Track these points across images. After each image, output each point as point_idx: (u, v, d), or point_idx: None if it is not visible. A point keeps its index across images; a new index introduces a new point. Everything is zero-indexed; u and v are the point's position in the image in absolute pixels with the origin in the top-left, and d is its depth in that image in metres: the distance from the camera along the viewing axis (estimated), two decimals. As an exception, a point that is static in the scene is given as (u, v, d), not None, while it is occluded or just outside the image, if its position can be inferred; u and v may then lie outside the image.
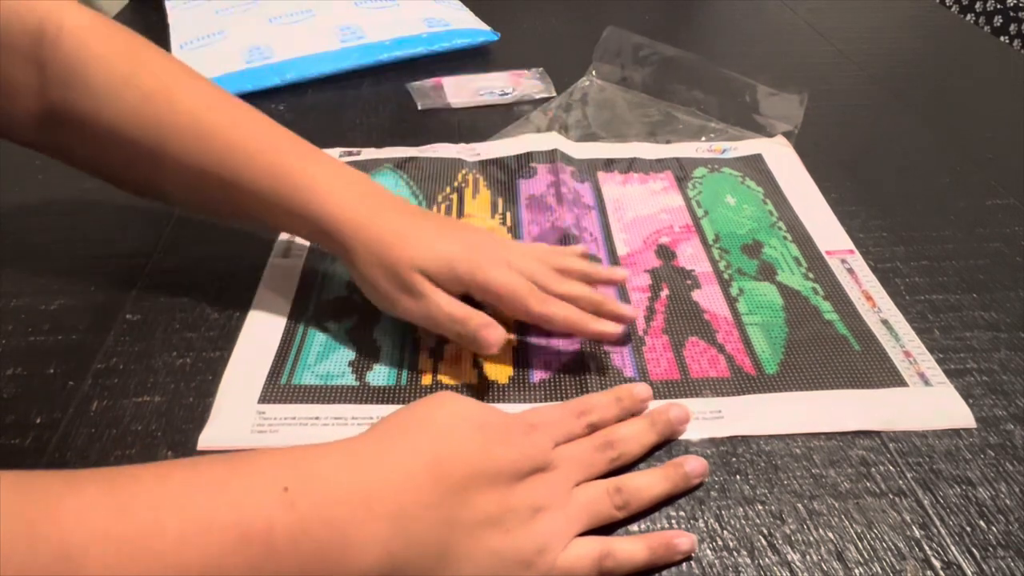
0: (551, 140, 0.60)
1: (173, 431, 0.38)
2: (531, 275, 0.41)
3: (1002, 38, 1.60)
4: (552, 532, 0.31)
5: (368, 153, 0.60)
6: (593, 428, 0.36)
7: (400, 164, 0.59)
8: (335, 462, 0.29)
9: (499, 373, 0.41)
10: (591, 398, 0.38)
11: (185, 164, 0.41)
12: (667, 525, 0.34)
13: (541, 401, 0.40)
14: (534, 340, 0.43)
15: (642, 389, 0.39)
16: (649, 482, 0.34)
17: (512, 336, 0.43)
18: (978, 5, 1.64)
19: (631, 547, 0.32)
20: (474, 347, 0.40)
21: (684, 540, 0.32)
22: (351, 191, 0.41)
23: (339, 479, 0.28)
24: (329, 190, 0.41)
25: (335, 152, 0.60)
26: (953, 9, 1.67)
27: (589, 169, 0.59)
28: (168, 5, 0.81)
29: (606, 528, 0.33)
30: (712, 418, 0.39)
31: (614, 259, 0.50)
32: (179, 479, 0.26)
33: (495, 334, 0.39)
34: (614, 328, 0.40)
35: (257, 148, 0.41)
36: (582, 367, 0.41)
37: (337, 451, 0.30)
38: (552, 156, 0.58)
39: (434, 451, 0.30)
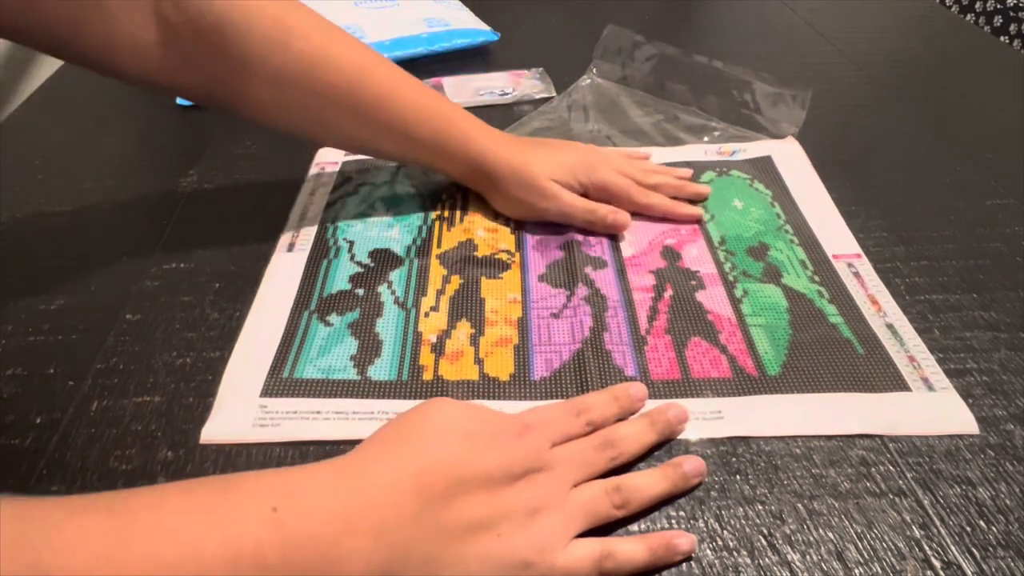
0: None
1: (173, 431, 0.38)
2: (630, 174, 0.53)
3: (1002, 38, 1.60)
4: (550, 532, 0.31)
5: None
6: (592, 426, 0.36)
7: (403, 166, 0.59)
8: (321, 481, 0.29)
9: (500, 370, 0.41)
10: (588, 397, 0.38)
11: (348, 118, 0.47)
12: (667, 525, 0.34)
13: (542, 399, 0.40)
14: (535, 339, 0.43)
15: (638, 389, 0.39)
16: (648, 482, 0.34)
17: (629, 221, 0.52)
18: (978, 5, 1.64)
19: (631, 547, 0.32)
20: (605, 228, 0.51)
21: (684, 540, 0.32)
22: (494, 136, 0.51)
23: (325, 497, 0.28)
24: (480, 138, 0.50)
25: (339, 153, 0.60)
26: (953, 9, 1.67)
27: None
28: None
29: (605, 528, 0.33)
30: (712, 418, 0.39)
31: (619, 261, 0.50)
32: (174, 505, 0.27)
33: (623, 216, 0.51)
34: (697, 211, 0.53)
35: (425, 106, 0.49)
36: (583, 366, 0.41)
37: (324, 470, 0.30)
38: None
39: (418, 462, 0.30)
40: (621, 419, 0.38)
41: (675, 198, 0.54)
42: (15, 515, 0.24)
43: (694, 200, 0.55)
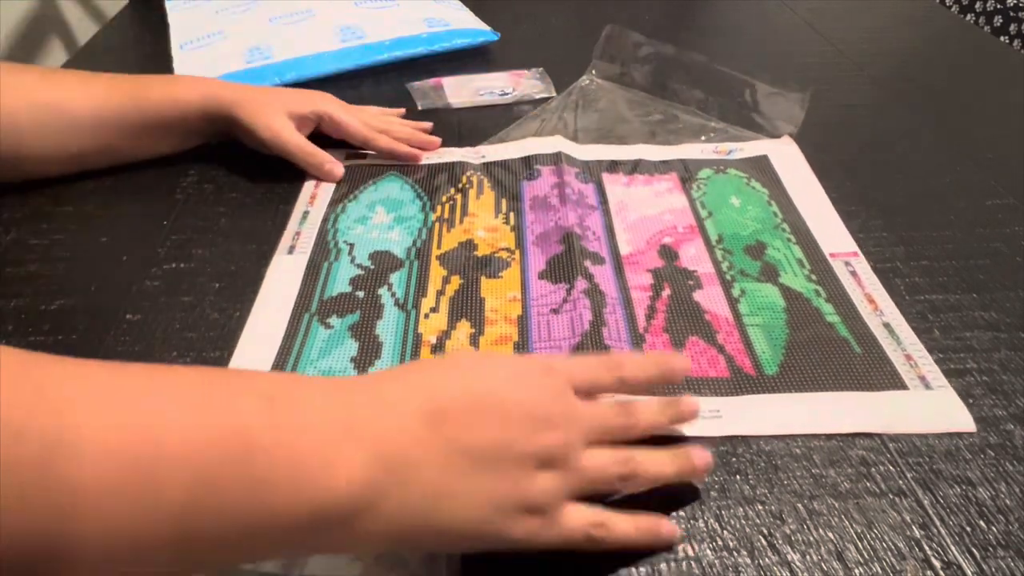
0: (555, 143, 0.60)
1: (173, 431, 0.38)
2: (364, 119, 0.60)
3: (1002, 38, 1.60)
4: (556, 489, 0.30)
5: (374, 156, 0.60)
6: (623, 383, 0.35)
7: (404, 168, 0.59)
8: (323, 388, 0.28)
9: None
10: (623, 355, 0.37)
11: (92, 126, 0.54)
12: (667, 525, 0.34)
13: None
14: (535, 336, 0.43)
15: (681, 362, 0.37)
16: (657, 460, 0.33)
17: (341, 170, 0.58)
18: (978, 5, 1.64)
19: (623, 523, 0.31)
20: (320, 175, 0.57)
21: (667, 527, 0.32)
22: (232, 90, 0.57)
23: (324, 401, 0.27)
24: (218, 93, 0.56)
25: (340, 154, 0.60)
26: (953, 9, 1.67)
27: (593, 170, 0.59)
28: (168, 5, 0.81)
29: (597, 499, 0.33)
30: (711, 417, 0.39)
31: (617, 258, 0.50)
32: (175, 377, 0.26)
33: (335, 167, 0.57)
34: (417, 151, 0.59)
35: (155, 97, 0.55)
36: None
37: (327, 381, 0.29)
38: (556, 158, 0.58)
39: (432, 386, 0.29)
40: (652, 385, 0.36)
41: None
42: (22, 357, 0.24)
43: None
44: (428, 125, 0.63)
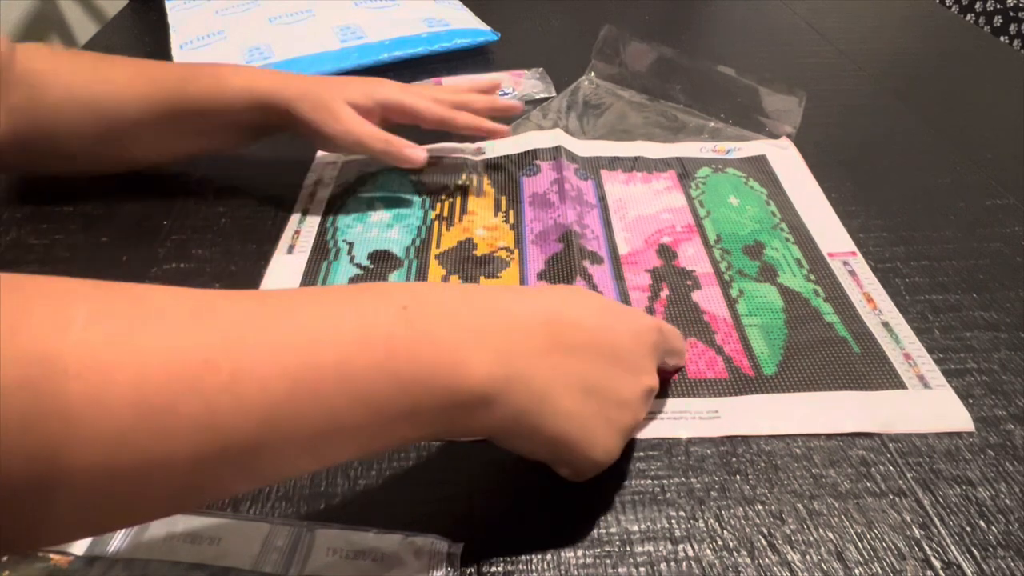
0: (555, 137, 0.60)
1: (172, 431, 0.38)
2: (431, 98, 0.55)
3: (1002, 38, 1.60)
4: (621, 440, 0.33)
5: (365, 158, 0.60)
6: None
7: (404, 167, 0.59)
8: (452, 296, 0.30)
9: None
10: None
11: (149, 125, 0.51)
12: (667, 525, 0.34)
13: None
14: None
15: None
16: None
17: (426, 155, 0.54)
18: (978, 5, 1.64)
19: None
20: (399, 162, 0.53)
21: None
22: (276, 73, 0.53)
23: (454, 307, 0.30)
24: (262, 78, 0.52)
25: (340, 154, 0.60)
26: (953, 9, 1.67)
27: (592, 167, 0.59)
28: (168, 5, 0.81)
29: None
30: (709, 418, 0.39)
31: (615, 258, 0.50)
32: (310, 297, 0.28)
33: (417, 152, 0.53)
34: (504, 127, 0.57)
35: (208, 86, 0.51)
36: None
37: (456, 288, 0.32)
38: (556, 153, 0.58)
39: (555, 310, 0.32)
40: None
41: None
42: (175, 292, 0.26)
43: (507, 120, 0.59)
44: (495, 86, 0.60)
